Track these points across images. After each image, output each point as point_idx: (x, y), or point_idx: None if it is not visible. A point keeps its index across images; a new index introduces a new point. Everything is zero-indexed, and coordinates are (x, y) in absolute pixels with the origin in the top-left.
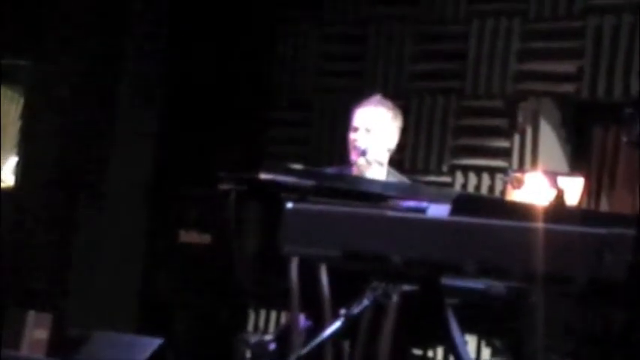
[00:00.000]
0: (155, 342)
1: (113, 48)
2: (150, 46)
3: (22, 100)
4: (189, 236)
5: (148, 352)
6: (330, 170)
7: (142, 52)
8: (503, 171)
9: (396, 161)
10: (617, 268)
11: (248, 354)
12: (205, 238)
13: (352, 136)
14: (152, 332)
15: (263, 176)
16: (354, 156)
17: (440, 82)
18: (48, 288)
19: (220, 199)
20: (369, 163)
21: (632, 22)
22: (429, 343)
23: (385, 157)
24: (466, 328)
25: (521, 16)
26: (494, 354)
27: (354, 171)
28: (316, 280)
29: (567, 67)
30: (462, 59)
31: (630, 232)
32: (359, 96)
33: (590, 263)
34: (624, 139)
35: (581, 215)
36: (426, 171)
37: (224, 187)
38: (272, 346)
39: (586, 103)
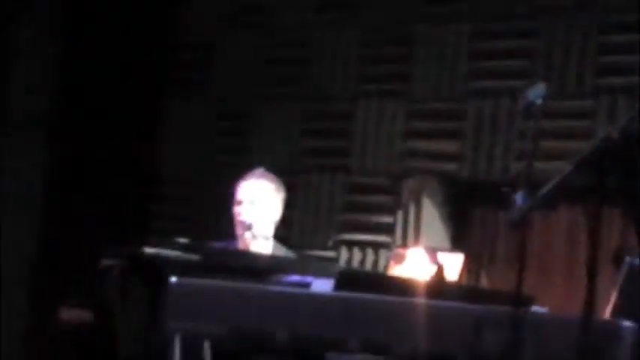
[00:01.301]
0: None
1: None
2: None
3: None
4: (71, 313)
5: None
6: (216, 245)
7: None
8: (387, 246)
9: (283, 236)
10: (496, 344)
11: None
12: (87, 316)
13: (237, 209)
14: None
15: (147, 251)
16: (239, 230)
17: (327, 159)
18: None
19: (103, 275)
20: (254, 237)
21: (509, 106)
22: None
23: (270, 230)
24: None
25: (407, 96)
26: None
27: (240, 245)
28: (200, 357)
29: (450, 146)
30: (349, 137)
31: (507, 308)
32: (245, 171)
33: (469, 339)
34: (500, 217)
35: (460, 291)
36: (312, 246)
37: (108, 262)
38: None
39: (467, 182)
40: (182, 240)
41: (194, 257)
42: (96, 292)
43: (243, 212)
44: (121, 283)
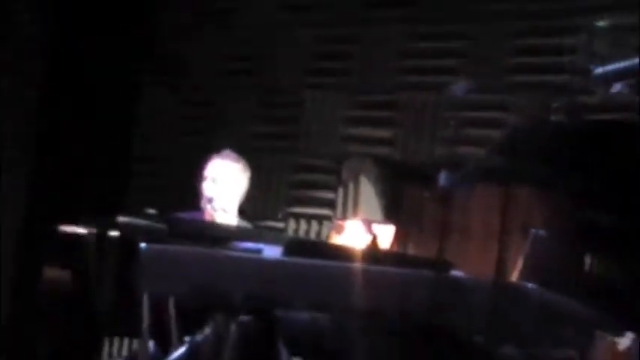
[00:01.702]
0: None
1: None
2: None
3: None
4: (52, 272)
5: None
6: (183, 215)
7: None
8: (329, 219)
9: (241, 209)
10: (422, 305)
11: None
12: (66, 275)
13: (202, 185)
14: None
15: (121, 220)
16: (203, 203)
17: (279, 142)
18: None
19: (82, 240)
20: (215, 209)
21: (436, 99)
22: None
23: (233, 205)
24: (292, 353)
25: (347, 89)
26: None
27: (206, 216)
28: (165, 312)
29: (383, 133)
30: (298, 124)
31: (430, 272)
32: (210, 151)
33: (397, 299)
34: (427, 194)
35: (391, 257)
36: (264, 218)
37: (87, 230)
38: None
39: (398, 163)
40: (151, 211)
41: (161, 226)
42: (75, 255)
43: (206, 188)
44: (97, 247)
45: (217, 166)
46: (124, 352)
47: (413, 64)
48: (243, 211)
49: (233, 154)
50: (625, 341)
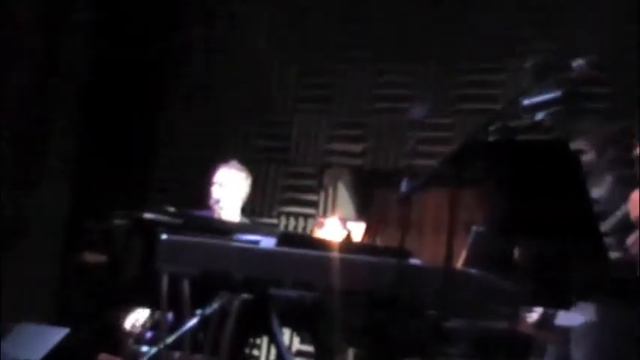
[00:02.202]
0: (62, 331)
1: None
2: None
3: None
4: (92, 257)
5: (56, 340)
6: (195, 213)
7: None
8: (312, 217)
9: (243, 208)
10: (386, 285)
11: (131, 340)
12: (102, 258)
13: (212, 188)
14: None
15: (146, 215)
16: (212, 203)
17: (274, 154)
18: None
19: (115, 231)
20: (221, 208)
21: (400, 120)
22: (257, 334)
23: (237, 205)
24: (283, 323)
25: (328, 113)
26: (302, 341)
27: (214, 214)
28: (180, 289)
29: (356, 148)
30: (289, 140)
31: (393, 260)
32: (218, 162)
33: (366, 281)
34: (391, 198)
35: (362, 248)
36: (262, 215)
37: (118, 221)
38: (148, 335)
39: (369, 172)
40: (170, 209)
41: (178, 221)
42: (109, 242)
43: (215, 191)
44: (126, 236)
45: (224, 174)
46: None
47: (380, 94)
48: (244, 210)
49: (237, 164)
50: (539, 312)
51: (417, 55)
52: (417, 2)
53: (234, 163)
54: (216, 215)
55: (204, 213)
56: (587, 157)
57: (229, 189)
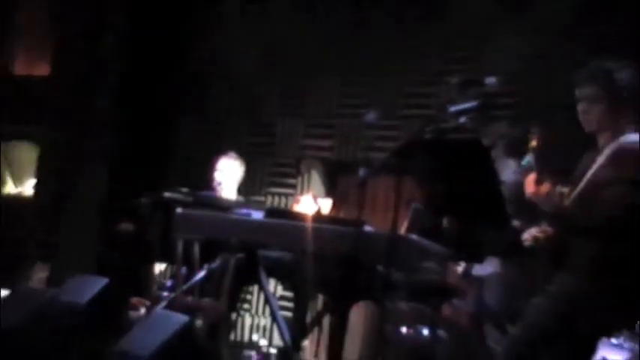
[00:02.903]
0: (103, 281)
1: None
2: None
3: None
4: (125, 226)
5: (98, 288)
6: (202, 192)
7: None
8: (292, 195)
9: (239, 188)
10: (346, 247)
11: (155, 287)
12: (133, 228)
13: (214, 174)
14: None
15: (166, 195)
16: (214, 185)
17: (262, 148)
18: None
19: (143, 207)
20: (222, 189)
21: (358, 123)
22: (250, 283)
23: (233, 186)
24: (269, 275)
25: (303, 117)
26: (284, 288)
27: (217, 193)
28: (191, 250)
29: (325, 143)
30: (274, 138)
31: (352, 228)
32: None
33: (333, 244)
34: (351, 181)
35: (328, 219)
36: (254, 194)
37: (145, 200)
38: (168, 284)
39: (335, 162)
40: (184, 189)
41: (189, 199)
42: (139, 215)
43: (217, 176)
44: (151, 211)
45: (224, 163)
46: (168, 273)
47: (343, 102)
48: (239, 190)
49: (234, 155)
50: (462, 266)
51: (373, 72)
52: (372, 32)
53: (231, 154)
54: (218, 194)
55: (209, 193)
56: (498, 151)
57: (228, 174)
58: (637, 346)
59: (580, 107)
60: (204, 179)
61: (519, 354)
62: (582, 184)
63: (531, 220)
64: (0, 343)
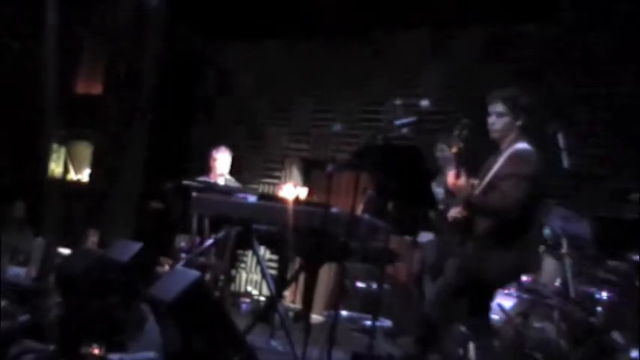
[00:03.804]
0: (137, 245)
1: None
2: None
3: (92, 148)
4: (155, 205)
5: (135, 249)
6: (209, 181)
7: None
8: (277, 184)
9: (239, 178)
10: (318, 224)
11: (176, 250)
12: (160, 207)
13: (213, 164)
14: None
15: (184, 182)
16: (217, 172)
17: (255, 149)
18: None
19: (167, 191)
20: (222, 176)
21: (326, 130)
22: (245, 248)
23: (227, 170)
24: (260, 244)
25: (286, 125)
26: (271, 253)
27: (219, 181)
28: (203, 223)
29: (303, 146)
30: (264, 140)
31: (322, 209)
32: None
33: (308, 221)
34: (323, 174)
35: (305, 203)
36: (249, 183)
37: (169, 186)
38: (186, 247)
39: (311, 160)
40: (199, 178)
41: (202, 185)
42: (164, 198)
43: (217, 166)
44: (174, 194)
45: (219, 154)
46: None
47: (317, 116)
48: (238, 179)
49: (226, 149)
50: (407, 239)
51: (339, 94)
52: (338, 65)
53: (222, 148)
54: (220, 182)
55: (210, 179)
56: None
57: (222, 162)
58: (522, 295)
59: (490, 120)
60: (209, 167)
61: (441, 299)
62: (487, 178)
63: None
64: (68, 283)
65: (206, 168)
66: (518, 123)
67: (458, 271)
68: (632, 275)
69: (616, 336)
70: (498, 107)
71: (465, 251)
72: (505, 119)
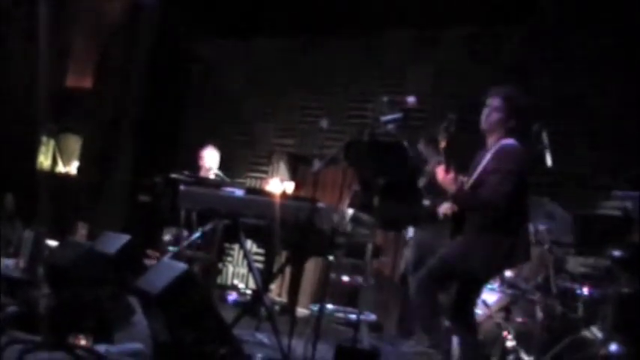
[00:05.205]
0: (125, 237)
1: None
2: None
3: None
4: (143, 197)
5: (124, 241)
6: (197, 175)
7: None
8: (264, 179)
9: (227, 172)
10: (304, 217)
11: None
12: (148, 198)
13: (202, 160)
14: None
15: (173, 175)
16: (203, 169)
17: (243, 144)
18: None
19: (156, 185)
20: (209, 172)
21: (312, 127)
22: (232, 242)
23: (215, 167)
24: (247, 237)
25: (275, 121)
26: (258, 247)
27: (209, 175)
28: (191, 217)
29: (290, 142)
30: (252, 136)
31: (308, 203)
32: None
33: (294, 215)
34: (309, 170)
35: (292, 197)
36: (237, 177)
37: (158, 179)
38: (173, 240)
39: (297, 156)
40: (185, 172)
41: (190, 179)
42: (153, 190)
43: (203, 163)
44: (163, 187)
45: (207, 151)
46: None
47: (303, 112)
48: (226, 173)
49: (213, 147)
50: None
51: (325, 91)
52: (325, 63)
53: (210, 146)
54: (209, 176)
55: (200, 174)
56: (420, 148)
57: (210, 159)
58: (504, 290)
59: (485, 111)
60: (196, 165)
61: (424, 284)
62: (476, 173)
63: (442, 198)
64: (57, 275)
65: (195, 165)
66: (510, 124)
67: (439, 259)
68: (612, 271)
69: (595, 331)
70: (497, 102)
71: (453, 244)
72: (499, 115)
